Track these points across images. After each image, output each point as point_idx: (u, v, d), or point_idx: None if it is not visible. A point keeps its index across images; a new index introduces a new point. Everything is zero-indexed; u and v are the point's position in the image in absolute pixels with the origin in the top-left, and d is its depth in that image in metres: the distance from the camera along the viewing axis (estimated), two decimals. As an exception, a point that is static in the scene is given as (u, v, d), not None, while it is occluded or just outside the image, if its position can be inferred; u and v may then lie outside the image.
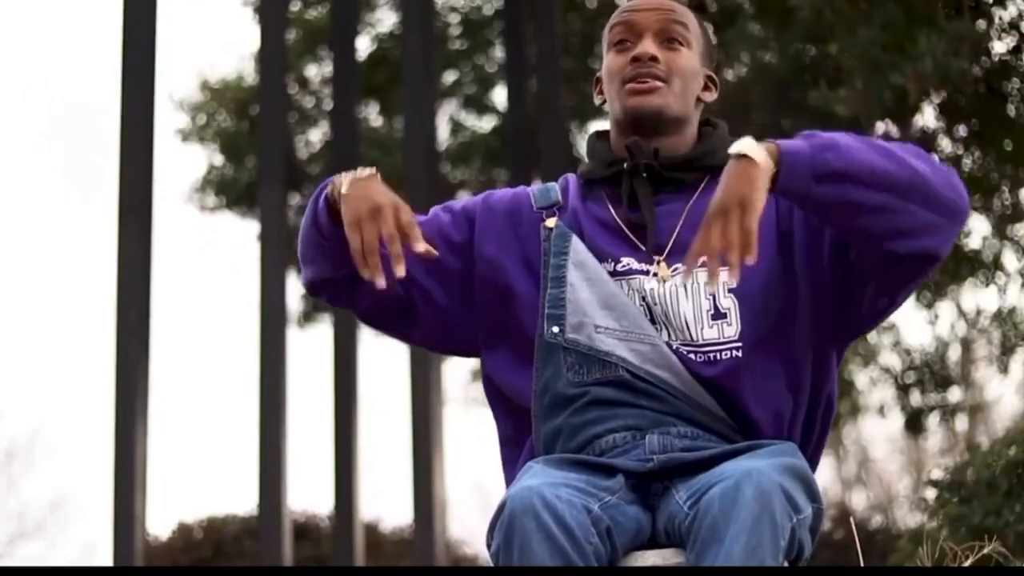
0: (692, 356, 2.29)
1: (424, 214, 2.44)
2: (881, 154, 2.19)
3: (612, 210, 2.40)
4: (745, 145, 2.15)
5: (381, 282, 2.18)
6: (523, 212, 2.43)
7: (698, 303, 2.31)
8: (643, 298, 2.33)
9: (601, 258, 2.36)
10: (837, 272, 2.32)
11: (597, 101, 2.51)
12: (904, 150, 2.23)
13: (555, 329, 2.31)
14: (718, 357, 2.29)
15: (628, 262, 2.35)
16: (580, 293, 2.32)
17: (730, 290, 2.31)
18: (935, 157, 2.32)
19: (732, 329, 2.30)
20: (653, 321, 2.32)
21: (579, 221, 2.41)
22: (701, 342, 2.30)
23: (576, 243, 2.37)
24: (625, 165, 2.39)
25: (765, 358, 2.30)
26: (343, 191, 2.24)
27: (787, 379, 2.31)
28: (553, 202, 2.43)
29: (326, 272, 2.39)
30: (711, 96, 2.47)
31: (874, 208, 2.17)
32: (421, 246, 2.19)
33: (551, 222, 2.40)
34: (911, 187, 2.18)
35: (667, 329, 2.31)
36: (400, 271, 2.17)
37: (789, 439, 2.32)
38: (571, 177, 2.49)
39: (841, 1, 6.01)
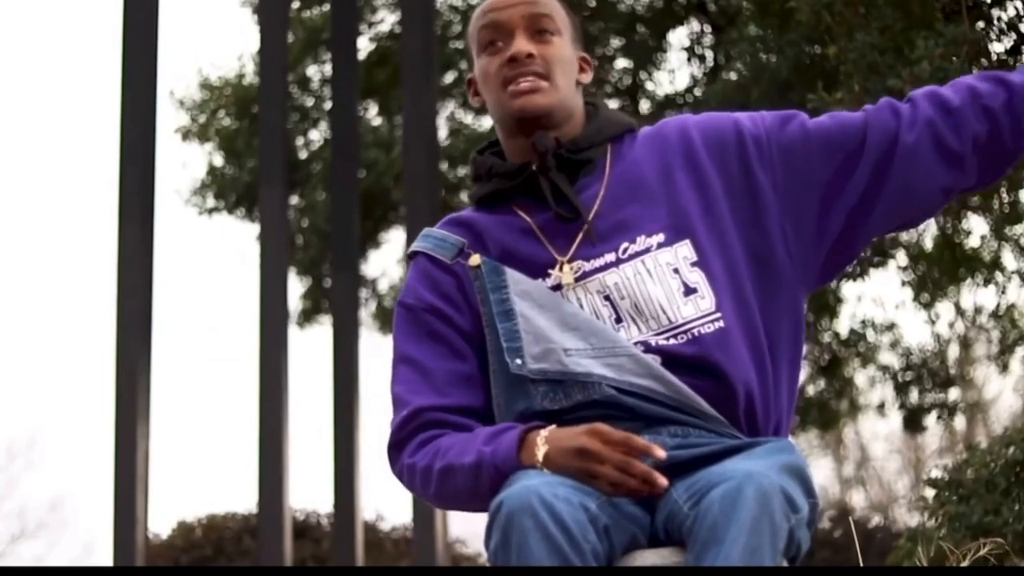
0: (672, 341, 2.27)
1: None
2: None
3: (530, 217, 2.36)
4: None
5: (663, 481, 2.11)
6: (447, 276, 2.38)
7: (667, 283, 2.29)
8: (606, 297, 2.30)
9: (548, 269, 2.32)
10: (852, 216, 2.33)
11: (475, 103, 2.46)
12: None
13: (518, 361, 2.27)
14: (700, 332, 2.27)
15: (579, 265, 2.31)
16: (536, 322, 2.28)
17: (693, 263, 2.30)
18: None
19: (707, 302, 2.29)
20: (620, 319, 2.29)
21: (504, 247, 2.36)
22: (680, 321, 2.27)
23: (512, 274, 2.32)
24: (534, 166, 2.35)
25: (744, 323, 2.29)
26: (544, 456, 2.15)
27: (766, 339, 2.30)
28: (459, 244, 2.39)
29: None
30: (587, 77, 2.45)
31: None
32: (659, 453, 2.12)
33: (475, 260, 2.36)
34: None
35: (638, 323, 2.28)
36: (663, 483, 2.11)
37: (775, 402, 2.31)
38: (457, 214, 2.44)
39: (839, 4, 6.02)
